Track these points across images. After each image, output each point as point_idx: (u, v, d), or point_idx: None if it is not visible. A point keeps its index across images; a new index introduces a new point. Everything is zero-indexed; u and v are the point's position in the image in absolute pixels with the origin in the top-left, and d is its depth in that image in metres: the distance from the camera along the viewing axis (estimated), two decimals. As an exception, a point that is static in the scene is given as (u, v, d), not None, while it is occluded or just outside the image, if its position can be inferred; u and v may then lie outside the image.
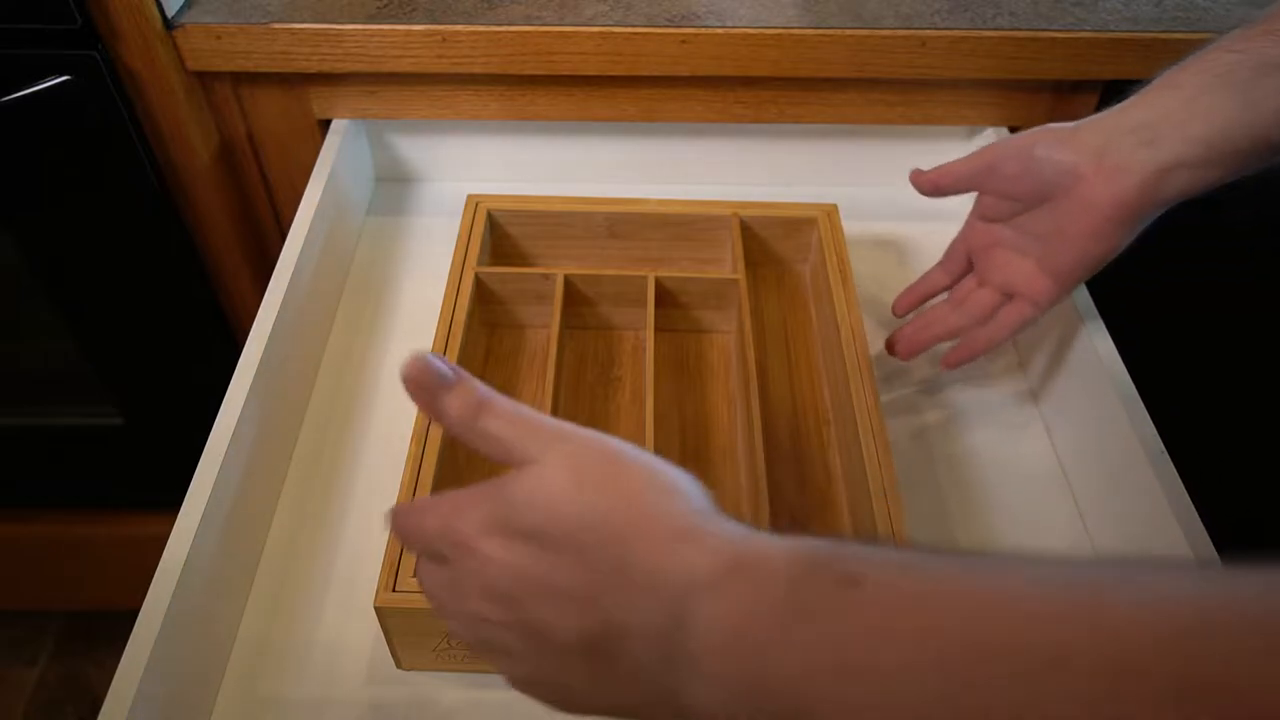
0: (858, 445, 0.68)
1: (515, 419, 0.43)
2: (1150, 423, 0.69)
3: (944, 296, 0.78)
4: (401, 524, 0.46)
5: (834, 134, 0.97)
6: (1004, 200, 0.70)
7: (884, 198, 0.98)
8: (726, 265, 0.86)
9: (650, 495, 0.40)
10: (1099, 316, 0.77)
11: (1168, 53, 0.85)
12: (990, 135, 0.94)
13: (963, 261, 0.76)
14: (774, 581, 0.36)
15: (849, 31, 0.86)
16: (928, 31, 0.86)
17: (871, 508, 0.64)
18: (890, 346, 0.79)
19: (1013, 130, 0.95)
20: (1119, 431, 0.70)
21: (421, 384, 0.45)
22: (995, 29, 0.86)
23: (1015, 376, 0.84)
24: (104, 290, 1.01)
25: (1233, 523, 0.71)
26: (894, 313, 0.80)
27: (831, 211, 0.85)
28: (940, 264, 0.78)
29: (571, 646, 0.41)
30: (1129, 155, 0.61)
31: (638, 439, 0.74)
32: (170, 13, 0.84)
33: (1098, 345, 0.74)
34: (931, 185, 0.73)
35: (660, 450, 0.70)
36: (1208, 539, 0.62)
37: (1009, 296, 0.72)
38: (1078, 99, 0.92)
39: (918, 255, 0.93)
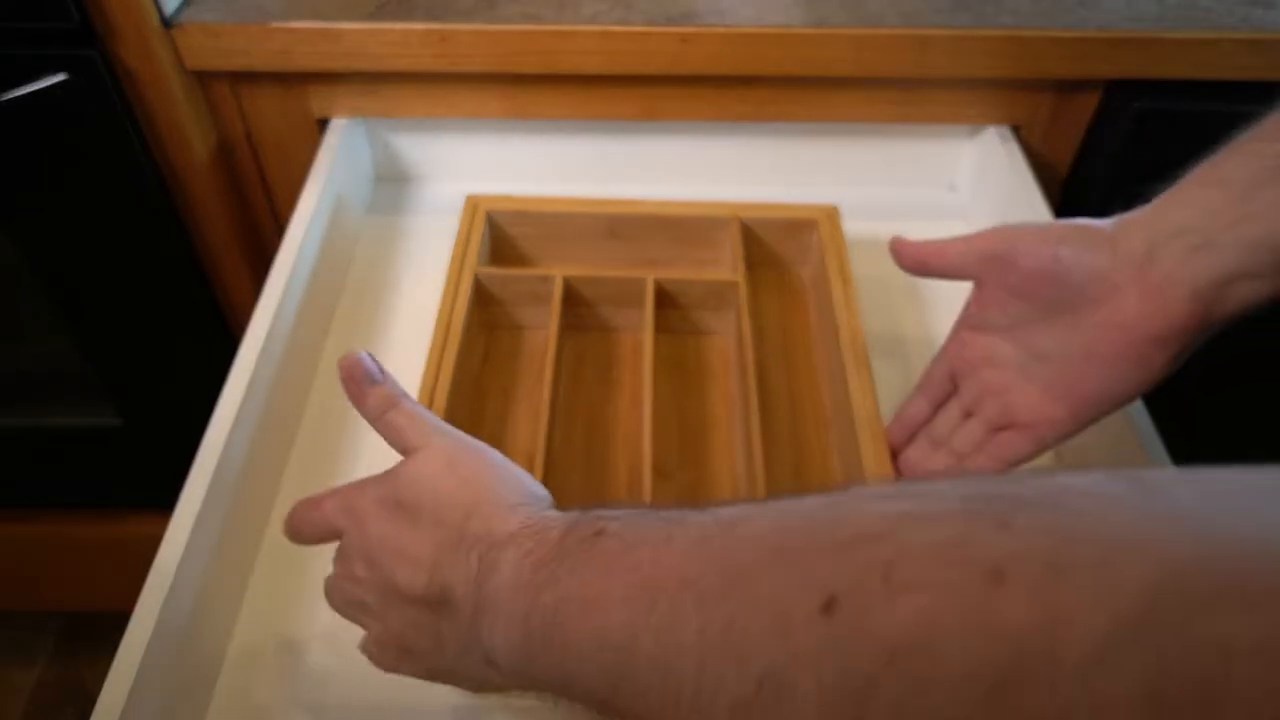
0: (857, 448, 0.68)
1: (413, 416, 0.52)
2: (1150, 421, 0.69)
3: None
4: (300, 512, 0.56)
5: (835, 133, 0.97)
6: (1011, 301, 0.59)
7: (885, 197, 0.98)
8: (726, 267, 0.85)
9: (496, 484, 0.49)
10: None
11: (1170, 51, 0.85)
12: (992, 134, 0.94)
13: (946, 384, 0.66)
14: (550, 535, 0.43)
15: (850, 30, 0.86)
16: (929, 30, 0.86)
17: (871, 511, 0.64)
18: None
19: (1015, 130, 0.94)
20: (1121, 437, 0.69)
21: (353, 376, 0.54)
22: (997, 27, 0.86)
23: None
24: (102, 290, 1.01)
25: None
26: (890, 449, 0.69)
27: (832, 213, 0.85)
28: (918, 389, 0.68)
29: (413, 601, 0.48)
30: (1178, 264, 0.51)
31: (636, 440, 0.75)
32: (168, 11, 0.84)
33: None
34: (916, 263, 0.65)
35: (659, 452, 0.71)
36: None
37: (1003, 428, 0.62)
38: (1080, 98, 0.91)
39: (919, 255, 0.92)
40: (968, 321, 0.64)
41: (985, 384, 0.62)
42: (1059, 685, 0.25)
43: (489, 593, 0.44)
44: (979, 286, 0.62)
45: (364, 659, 0.64)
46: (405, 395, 0.54)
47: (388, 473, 0.51)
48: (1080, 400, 0.58)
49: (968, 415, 0.64)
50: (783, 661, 0.31)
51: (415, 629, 0.50)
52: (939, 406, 0.67)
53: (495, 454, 0.51)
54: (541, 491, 0.50)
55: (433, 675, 0.53)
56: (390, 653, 0.53)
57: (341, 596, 0.54)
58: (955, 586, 0.28)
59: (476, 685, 0.52)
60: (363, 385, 0.53)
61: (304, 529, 0.56)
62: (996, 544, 0.28)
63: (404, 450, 0.52)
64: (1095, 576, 0.26)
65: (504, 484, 0.49)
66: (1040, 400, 0.59)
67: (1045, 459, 0.73)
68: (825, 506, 0.35)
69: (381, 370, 0.54)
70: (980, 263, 0.60)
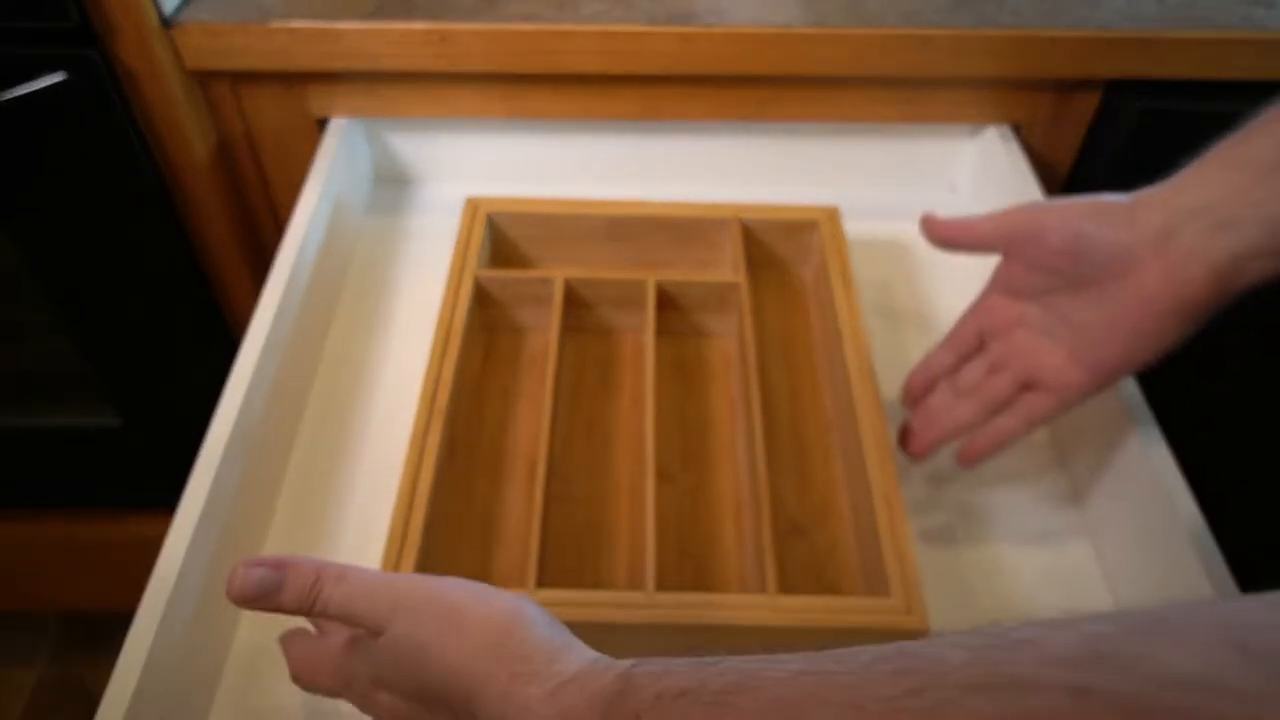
0: (860, 450, 0.68)
1: (349, 597, 0.47)
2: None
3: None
4: (297, 662, 0.54)
5: (835, 133, 0.97)
6: (1037, 274, 0.62)
7: (885, 197, 0.98)
8: (727, 268, 0.85)
9: (489, 646, 0.43)
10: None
11: (1170, 51, 0.85)
12: (993, 133, 0.94)
13: (973, 340, 0.68)
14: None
15: (851, 30, 0.86)
16: (930, 30, 0.86)
17: (873, 513, 0.64)
18: (903, 443, 0.70)
19: (1015, 129, 0.94)
20: (1124, 434, 0.69)
21: (249, 598, 0.48)
22: (998, 27, 0.86)
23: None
24: (101, 290, 1.01)
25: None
26: (904, 400, 0.71)
27: (833, 214, 0.85)
28: (946, 342, 0.70)
29: None
30: (1198, 241, 0.54)
31: (638, 443, 0.75)
32: (168, 11, 0.84)
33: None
34: (947, 238, 0.67)
35: (661, 454, 0.71)
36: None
37: (1028, 386, 0.64)
38: (1080, 97, 0.91)
39: (920, 257, 0.92)
40: (997, 287, 0.66)
41: (1015, 344, 0.64)
42: None
43: None
44: (1006, 259, 0.65)
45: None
46: (324, 569, 0.48)
47: (367, 654, 0.48)
48: (1101, 366, 0.60)
49: (993, 371, 0.66)
50: None
51: None
52: (964, 361, 0.68)
53: (464, 598, 0.46)
54: (533, 619, 0.45)
55: None
56: None
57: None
58: None
59: None
60: (268, 594, 0.47)
61: (296, 675, 0.54)
62: None
63: (369, 630, 0.47)
64: None
65: (493, 643, 0.44)
66: (1065, 364, 0.62)
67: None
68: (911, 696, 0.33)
69: (279, 562, 0.48)
70: (1008, 239, 0.63)
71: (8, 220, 0.94)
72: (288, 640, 0.54)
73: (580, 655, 0.43)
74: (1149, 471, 0.66)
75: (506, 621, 0.44)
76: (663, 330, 0.79)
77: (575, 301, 0.81)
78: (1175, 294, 0.55)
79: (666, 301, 0.80)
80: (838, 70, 0.88)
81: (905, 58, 0.87)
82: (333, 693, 0.52)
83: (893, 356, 0.83)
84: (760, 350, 0.80)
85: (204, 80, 0.90)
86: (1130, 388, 0.70)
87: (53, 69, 0.82)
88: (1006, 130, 0.94)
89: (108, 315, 1.04)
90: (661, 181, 1.00)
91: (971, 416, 0.67)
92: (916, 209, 0.95)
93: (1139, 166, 0.85)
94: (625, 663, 0.41)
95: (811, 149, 0.98)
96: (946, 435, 0.68)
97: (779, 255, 0.87)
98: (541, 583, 0.61)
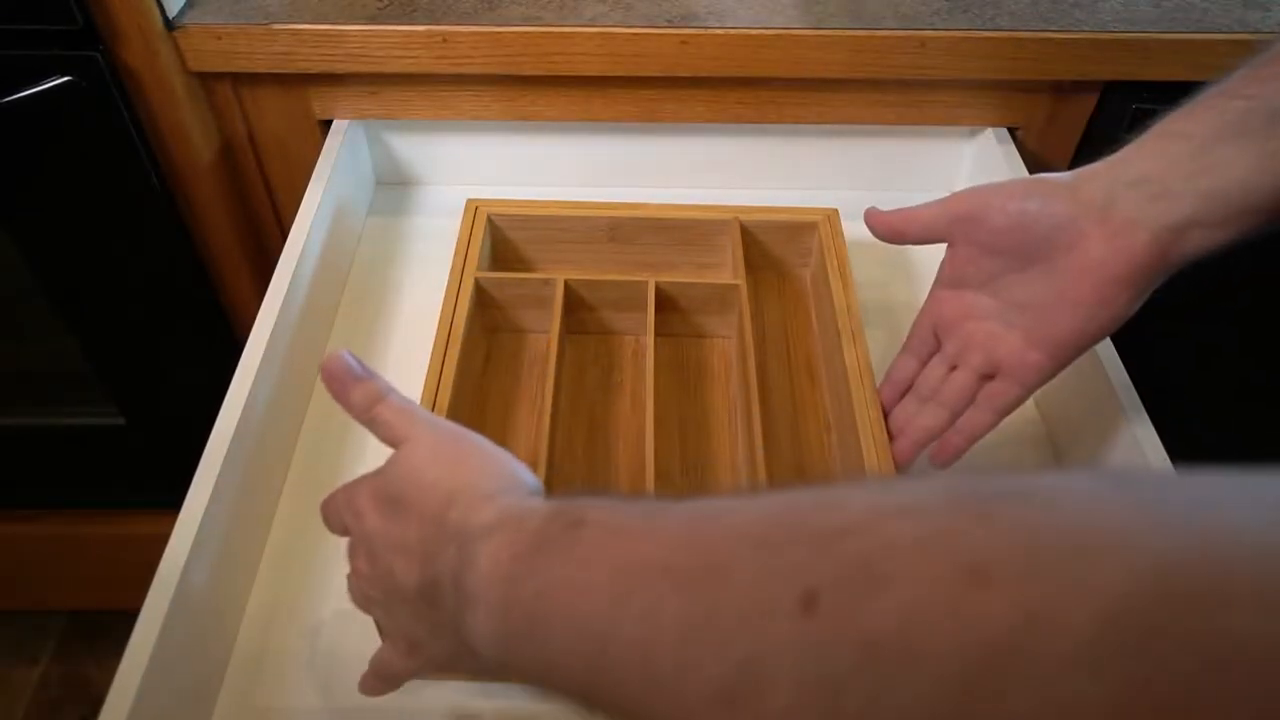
0: (859, 451, 0.68)
1: (400, 409, 0.52)
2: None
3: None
4: (324, 505, 0.56)
5: (834, 135, 0.97)
6: (984, 257, 0.62)
7: (884, 199, 0.97)
8: (727, 270, 0.86)
9: (478, 472, 0.48)
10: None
11: (1166, 53, 0.85)
12: (990, 136, 0.94)
13: (930, 341, 0.68)
14: (527, 526, 0.42)
15: (849, 32, 0.86)
16: (927, 32, 0.86)
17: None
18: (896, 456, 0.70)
19: (1012, 131, 0.95)
20: (1122, 440, 0.70)
21: (335, 375, 0.53)
22: (995, 29, 0.86)
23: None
24: (105, 290, 1.01)
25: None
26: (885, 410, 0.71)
27: (832, 215, 0.85)
28: (904, 348, 0.70)
29: (411, 595, 0.48)
30: (1138, 209, 0.55)
31: (638, 444, 0.75)
32: (171, 13, 0.84)
33: (1100, 353, 0.74)
34: (891, 230, 0.67)
35: (661, 455, 0.71)
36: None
37: (989, 377, 0.65)
38: (1077, 99, 0.92)
39: (920, 258, 0.93)
40: (944, 280, 0.66)
41: (968, 336, 0.65)
42: (1036, 686, 0.25)
43: (468, 586, 0.43)
44: (952, 246, 0.65)
45: (363, 661, 0.65)
46: (391, 390, 0.53)
47: (379, 469, 0.51)
48: (1056, 343, 0.61)
49: (953, 368, 0.67)
50: (761, 651, 0.31)
51: (417, 622, 0.50)
52: (925, 364, 0.69)
53: (481, 441, 0.51)
54: (527, 477, 0.49)
55: (441, 668, 0.53)
56: (401, 649, 0.53)
57: (356, 593, 0.54)
58: (934, 582, 0.28)
59: (478, 676, 0.52)
60: (345, 383, 0.53)
61: (327, 518, 0.56)
62: (978, 539, 0.28)
63: (393, 444, 0.51)
64: (1075, 574, 0.26)
65: (486, 471, 0.48)
66: (1021, 347, 0.62)
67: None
68: (810, 497, 0.34)
69: (364, 367, 0.53)
70: (952, 224, 0.63)
71: (11, 221, 0.95)
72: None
73: (532, 498, 0.46)
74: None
75: (496, 462, 0.49)
76: (663, 332, 0.80)
77: (576, 303, 0.81)
78: (1119, 261, 0.56)
79: (666, 303, 0.81)
80: (836, 72, 0.88)
81: (903, 60, 0.87)
82: (337, 514, 0.54)
83: (892, 358, 0.84)
84: (760, 352, 0.81)
85: (207, 82, 0.90)
86: (1131, 397, 0.70)
87: (57, 71, 0.82)
88: (1003, 132, 0.95)
89: (110, 315, 1.04)
90: (661, 183, 1.01)
91: (937, 421, 0.67)
92: (915, 211, 0.96)
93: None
94: (554, 499, 0.44)
95: (810, 151, 0.99)
96: (919, 444, 0.68)
97: (778, 257, 0.87)
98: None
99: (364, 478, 0.53)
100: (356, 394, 0.52)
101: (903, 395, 0.70)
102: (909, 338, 0.70)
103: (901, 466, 0.68)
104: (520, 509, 0.44)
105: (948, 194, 0.64)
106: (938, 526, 0.29)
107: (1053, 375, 0.62)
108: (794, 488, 0.36)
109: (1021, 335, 0.62)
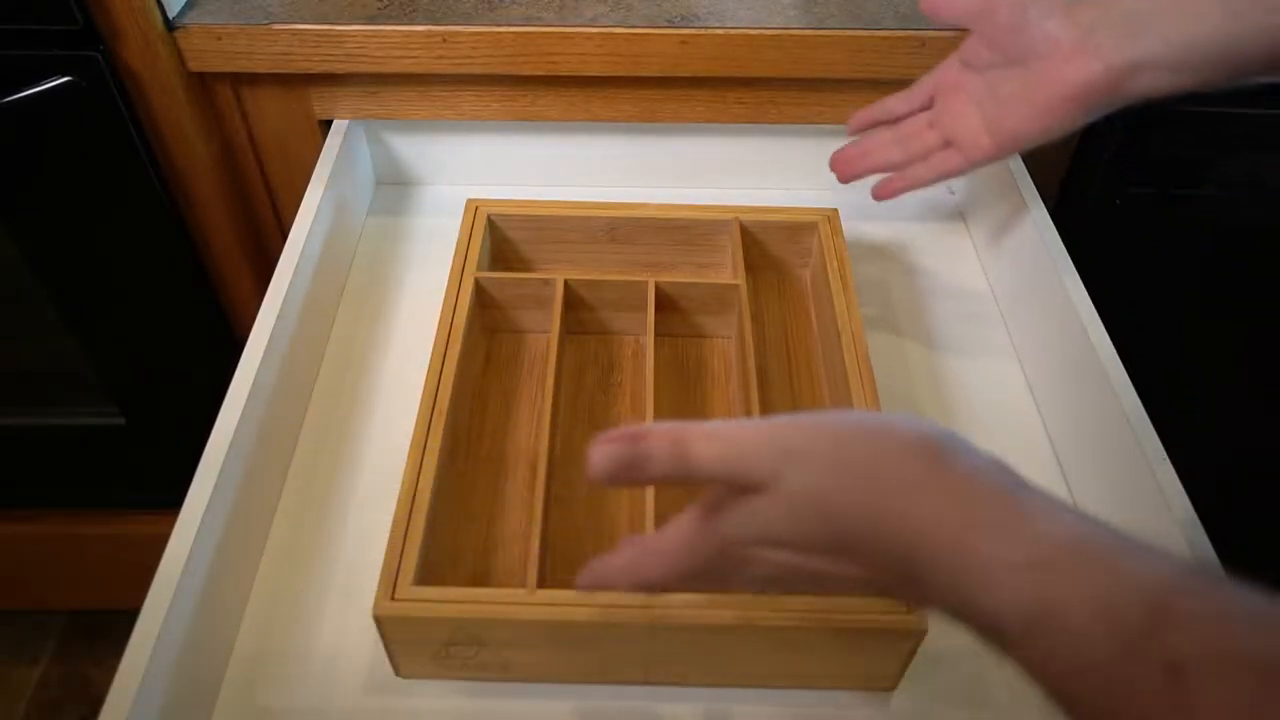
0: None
1: (725, 453, 0.42)
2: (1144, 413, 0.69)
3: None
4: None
5: (834, 135, 0.97)
6: (987, 48, 0.69)
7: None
8: (727, 270, 0.86)
9: (915, 484, 0.39)
10: (1104, 329, 0.75)
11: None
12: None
13: (925, 97, 0.75)
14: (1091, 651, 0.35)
15: (848, 32, 0.86)
16: (927, 32, 0.86)
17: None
18: (832, 165, 0.79)
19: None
20: (1120, 441, 0.70)
21: (613, 474, 0.44)
22: (996, 30, 0.86)
23: (1016, 376, 0.84)
24: (105, 290, 1.01)
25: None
26: (848, 129, 0.80)
27: (832, 216, 0.85)
28: (904, 92, 0.77)
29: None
30: (1109, 41, 0.62)
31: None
32: (171, 13, 0.84)
33: (1100, 354, 0.74)
34: (935, 9, 0.73)
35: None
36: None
37: (948, 144, 0.73)
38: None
39: (919, 258, 0.93)
40: (959, 55, 0.73)
41: (951, 107, 0.73)
42: None
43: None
44: (971, 34, 0.71)
45: (364, 661, 0.65)
46: (678, 430, 0.44)
47: (756, 507, 0.42)
48: (1005, 134, 0.69)
49: (929, 127, 0.75)
50: None
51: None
52: (910, 112, 0.76)
53: (862, 436, 0.42)
54: (959, 446, 0.41)
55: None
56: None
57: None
58: None
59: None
60: (636, 467, 0.43)
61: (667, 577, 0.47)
62: None
63: (752, 486, 0.42)
64: None
65: (914, 482, 0.40)
66: (978, 129, 0.70)
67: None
68: None
69: (633, 436, 0.44)
70: (975, 14, 0.69)
71: (12, 220, 0.95)
72: (609, 560, 0.49)
73: (1047, 510, 0.38)
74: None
75: (926, 450, 0.40)
76: (662, 332, 0.80)
77: (575, 303, 0.81)
78: (1076, 82, 0.63)
79: (666, 303, 0.81)
80: (836, 72, 0.89)
81: (902, 60, 0.87)
82: (681, 574, 0.46)
83: (891, 358, 0.84)
84: (760, 352, 0.81)
85: (207, 82, 0.90)
86: (1134, 401, 0.70)
87: (57, 72, 0.82)
88: (1004, 132, 0.94)
89: (111, 315, 1.04)
90: (661, 183, 1.01)
91: (897, 158, 0.76)
92: (915, 211, 0.96)
93: (1137, 166, 0.86)
94: (1140, 567, 0.36)
95: (810, 151, 0.98)
96: (873, 168, 0.77)
97: (778, 257, 0.87)
98: (542, 583, 0.61)
99: (723, 517, 0.44)
100: (654, 461, 0.43)
101: (874, 124, 0.78)
102: (911, 87, 0.77)
103: (843, 179, 0.78)
104: (1053, 600, 0.36)
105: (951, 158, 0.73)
106: None
107: (993, 160, 0.71)
108: None
109: (983, 120, 0.70)
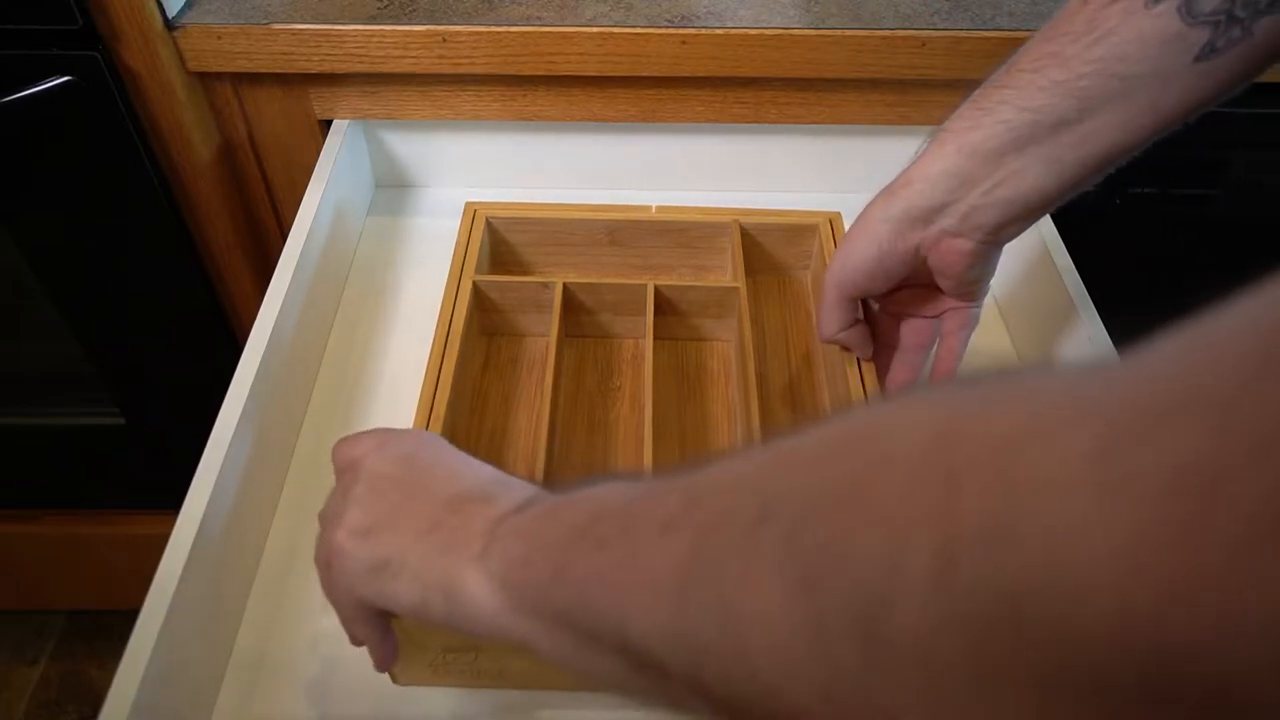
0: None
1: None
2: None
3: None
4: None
5: (835, 135, 0.97)
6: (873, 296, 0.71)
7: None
8: (727, 273, 0.86)
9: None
10: (1104, 329, 0.76)
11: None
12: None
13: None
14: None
15: (849, 32, 0.86)
16: (927, 32, 0.86)
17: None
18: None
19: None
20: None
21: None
22: (995, 29, 0.86)
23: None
24: (105, 290, 1.01)
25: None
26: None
27: (834, 218, 0.85)
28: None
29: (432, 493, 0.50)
30: (957, 227, 0.64)
31: (637, 448, 0.75)
32: (171, 13, 0.84)
33: (1100, 354, 0.74)
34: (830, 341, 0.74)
35: (660, 459, 0.71)
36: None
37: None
38: (1078, 100, 0.91)
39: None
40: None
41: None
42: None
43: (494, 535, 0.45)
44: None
45: (361, 667, 0.65)
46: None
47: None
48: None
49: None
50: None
51: (407, 507, 0.50)
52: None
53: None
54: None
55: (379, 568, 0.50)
56: (347, 525, 0.50)
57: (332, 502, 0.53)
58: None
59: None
60: None
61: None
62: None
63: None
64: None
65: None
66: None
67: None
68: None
69: None
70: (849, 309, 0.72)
71: (12, 220, 0.95)
72: None
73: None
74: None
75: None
76: (662, 335, 0.80)
77: (574, 306, 0.81)
78: (960, 261, 0.65)
79: (666, 306, 0.81)
80: (836, 72, 0.89)
81: (903, 60, 0.87)
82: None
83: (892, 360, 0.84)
84: (760, 355, 0.81)
85: (207, 82, 0.90)
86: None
87: (57, 71, 0.82)
88: (1004, 133, 0.94)
89: (111, 315, 1.04)
90: (661, 184, 1.01)
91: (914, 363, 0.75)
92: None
93: (1135, 166, 0.86)
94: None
95: (811, 151, 0.99)
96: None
97: (779, 260, 0.87)
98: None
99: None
100: None
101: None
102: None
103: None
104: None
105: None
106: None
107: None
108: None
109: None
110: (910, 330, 0.73)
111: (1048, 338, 0.81)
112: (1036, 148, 0.60)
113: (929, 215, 0.64)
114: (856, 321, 0.72)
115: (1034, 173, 0.60)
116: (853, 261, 0.68)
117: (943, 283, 0.68)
